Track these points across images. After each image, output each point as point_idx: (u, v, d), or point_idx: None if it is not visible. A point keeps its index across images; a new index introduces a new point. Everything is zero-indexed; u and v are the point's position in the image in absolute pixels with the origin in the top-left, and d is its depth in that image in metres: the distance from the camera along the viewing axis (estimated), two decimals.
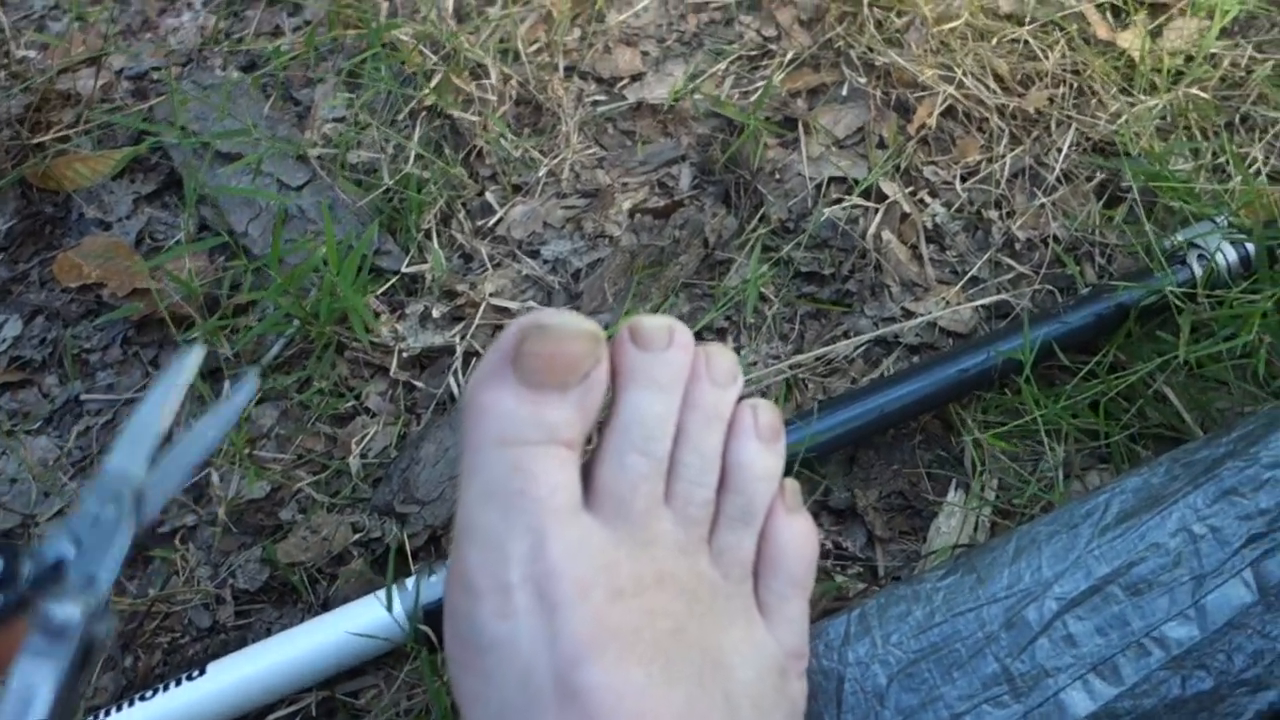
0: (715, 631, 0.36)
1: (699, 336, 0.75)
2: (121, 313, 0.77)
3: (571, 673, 0.32)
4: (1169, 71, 0.86)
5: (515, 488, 0.33)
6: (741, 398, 0.40)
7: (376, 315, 0.77)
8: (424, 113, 0.88)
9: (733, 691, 0.36)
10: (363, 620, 0.61)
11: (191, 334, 0.75)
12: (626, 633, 0.33)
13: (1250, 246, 0.71)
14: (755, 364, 0.75)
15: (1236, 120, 0.85)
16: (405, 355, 0.76)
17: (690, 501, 0.37)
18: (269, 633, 0.66)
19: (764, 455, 0.39)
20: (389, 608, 0.60)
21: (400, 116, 0.88)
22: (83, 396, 0.76)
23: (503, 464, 0.33)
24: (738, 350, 0.76)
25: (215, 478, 0.71)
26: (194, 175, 0.81)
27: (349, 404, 0.75)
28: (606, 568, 0.34)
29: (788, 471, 0.66)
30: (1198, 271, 0.71)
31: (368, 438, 0.73)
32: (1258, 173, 0.81)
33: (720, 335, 0.77)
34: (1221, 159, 0.81)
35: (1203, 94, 0.85)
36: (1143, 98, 0.85)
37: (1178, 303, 0.69)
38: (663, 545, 0.36)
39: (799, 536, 0.40)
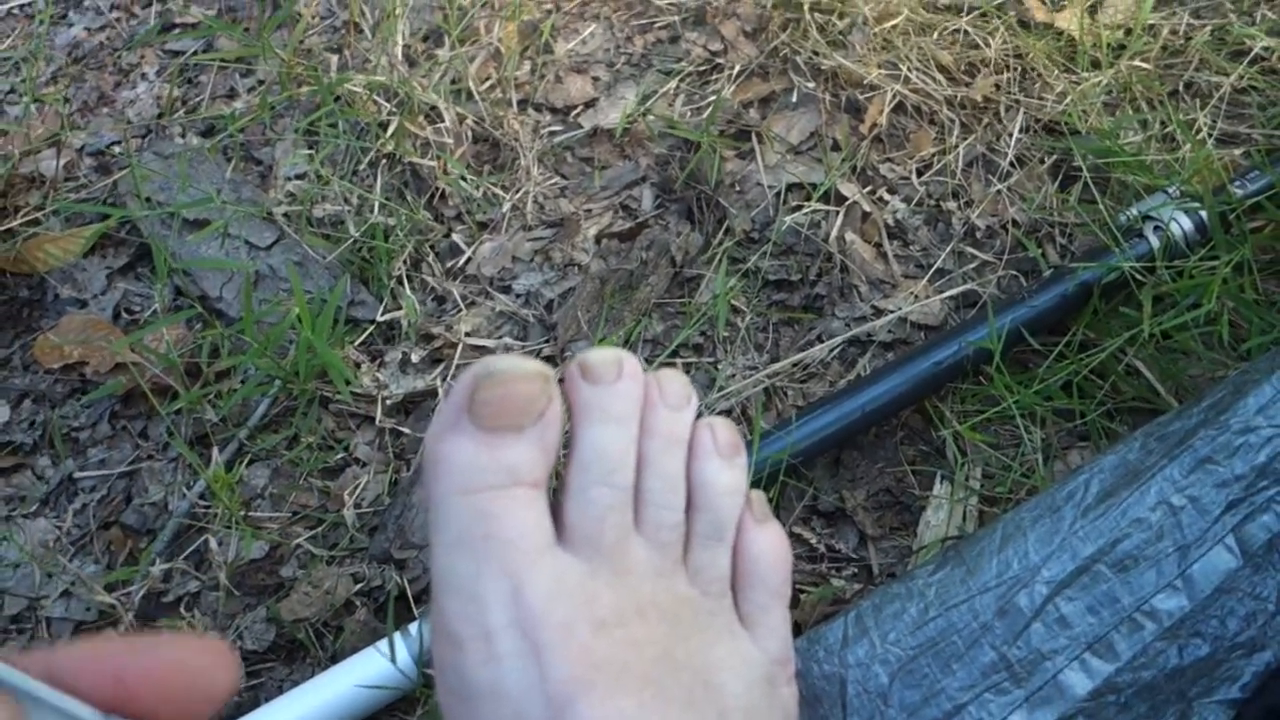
0: (701, 651, 0.37)
1: (674, 355, 0.77)
2: (105, 390, 0.78)
3: (563, 712, 0.33)
4: (1109, 46, 0.88)
5: (484, 533, 0.34)
6: (698, 416, 0.41)
7: (357, 366, 0.78)
8: (384, 161, 0.89)
9: (725, 708, 0.36)
10: (370, 670, 0.62)
11: (176, 405, 0.76)
12: (614, 665, 0.34)
13: (1204, 214, 0.72)
14: (733, 376, 0.76)
15: (1180, 88, 0.87)
16: (389, 402, 0.77)
17: (661, 526, 0.38)
18: (280, 691, 0.66)
19: (726, 471, 0.39)
20: (392, 658, 0.61)
21: (361, 167, 0.89)
22: (76, 475, 0.77)
23: (469, 512, 0.34)
24: (714, 365, 0.77)
25: (213, 543, 0.71)
26: (163, 246, 0.82)
27: (339, 456, 0.75)
28: (587, 602, 0.34)
29: (772, 482, 0.67)
30: (1155, 243, 0.72)
31: (360, 488, 0.74)
32: (1205, 139, 0.82)
33: (696, 351, 0.78)
34: (1169, 128, 0.83)
35: (1145, 65, 0.87)
36: (1086, 75, 0.87)
37: (1138, 277, 0.71)
38: (639, 573, 0.37)
39: (771, 545, 0.40)
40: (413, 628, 0.63)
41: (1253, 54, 0.87)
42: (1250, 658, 0.58)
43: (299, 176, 0.89)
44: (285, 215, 0.86)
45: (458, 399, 0.34)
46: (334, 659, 0.67)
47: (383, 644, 0.62)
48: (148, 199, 0.87)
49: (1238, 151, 0.81)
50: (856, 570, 0.68)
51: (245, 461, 0.75)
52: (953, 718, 0.55)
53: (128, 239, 0.88)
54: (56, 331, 0.82)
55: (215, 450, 0.75)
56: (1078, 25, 0.88)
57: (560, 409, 0.36)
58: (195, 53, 1.01)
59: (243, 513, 0.73)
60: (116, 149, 0.95)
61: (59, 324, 0.83)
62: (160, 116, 0.97)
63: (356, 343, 0.80)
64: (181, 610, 0.70)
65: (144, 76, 1.01)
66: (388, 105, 0.91)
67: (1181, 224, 0.72)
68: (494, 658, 0.33)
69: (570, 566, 0.35)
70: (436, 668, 0.35)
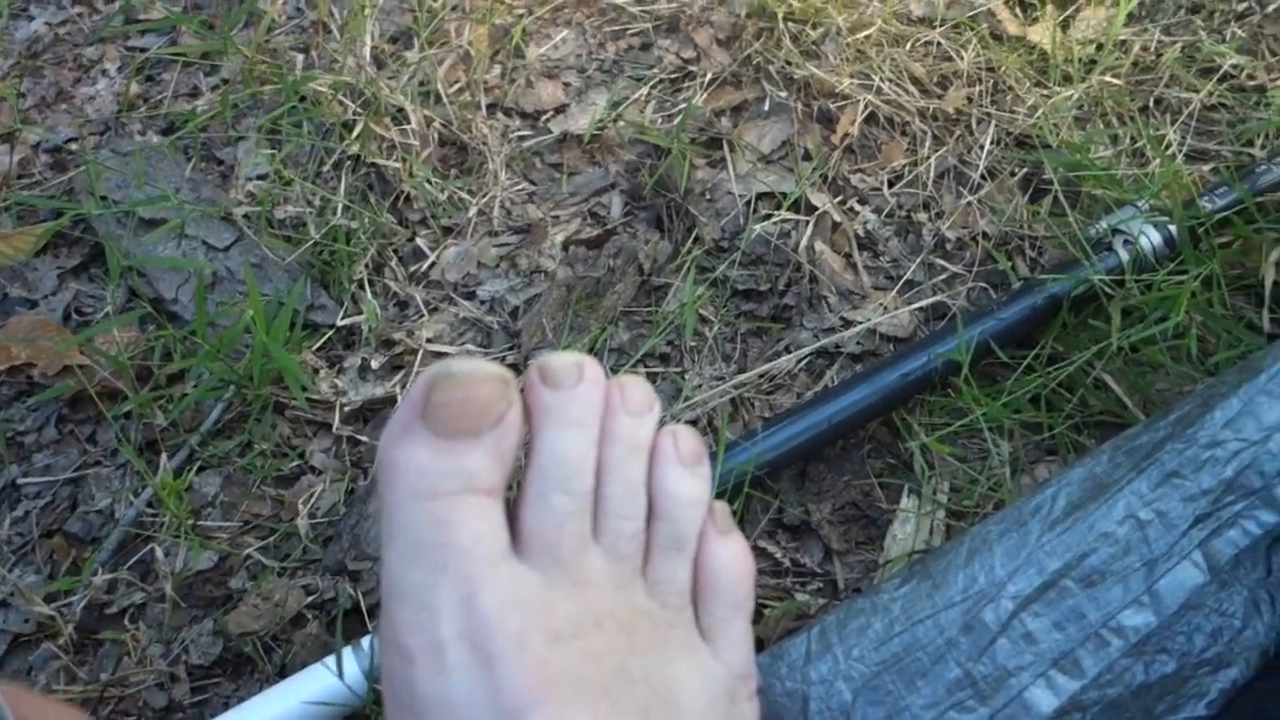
0: (660, 665, 0.36)
1: (641, 363, 0.75)
2: (52, 393, 0.76)
3: None
4: (1081, 61, 0.88)
5: (438, 541, 0.32)
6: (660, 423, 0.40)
7: (315, 371, 0.76)
8: (348, 163, 0.87)
9: None
10: (319, 687, 0.60)
11: (125, 408, 0.74)
12: (569, 679, 0.32)
13: (1173, 228, 0.72)
14: (700, 386, 0.75)
15: (1151, 104, 0.86)
16: (347, 409, 0.75)
17: (620, 535, 0.37)
18: (226, 707, 0.64)
19: (689, 480, 0.38)
20: (339, 674, 0.59)
21: (325, 169, 0.87)
22: (20, 480, 0.75)
23: (423, 518, 0.33)
24: (681, 374, 0.75)
25: (159, 552, 0.69)
26: (117, 246, 0.80)
27: (293, 464, 0.74)
28: (542, 613, 0.33)
29: (736, 494, 0.66)
30: (1124, 257, 0.72)
31: (315, 497, 0.72)
32: (1174, 154, 0.82)
33: (663, 360, 0.77)
34: (1139, 143, 0.82)
35: (1116, 81, 0.86)
36: (1058, 89, 0.86)
37: (1107, 290, 0.70)
38: (597, 584, 0.35)
39: (734, 558, 0.39)
40: (364, 642, 0.61)
41: (1222, 71, 0.87)
42: (1217, 675, 0.57)
43: (260, 177, 0.88)
44: (245, 216, 0.84)
45: (413, 402, 0.33)
46: (282, 674, 0.65)
47: (332, 660, 0.60)
48: (103, 197, 0.84)
49: (1206, 168, 0.81)
50: (821, 585, 0.67)
51: (195, 468, 0.73)
52: None
53: (82, 238, 0.86)
54: (4, 332, 0.80)
55: (164, 456, 0.73)
56: (1050, 39, 0.88)
57: (519, 414, 0.35)
58: (158, 49, 0.99)
59: (191, 521, 0.71)
60: (73, 146, 0.93)
61: (7, 324, 0.81)
62: (120, 113, 0.95)
63: (315, 348, 0.78)
64: (125, 622, 0.68)
65: (104, 73, 0.99)
66: (353, 105, 0.89)
67: (1150, 238, 0.72)
68: (444, 670, 0.32)
69: (526, 576, 0.34)
70: (385, 680, 0.34)
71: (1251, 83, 0.86)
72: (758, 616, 0.66)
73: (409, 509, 0.33)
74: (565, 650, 0.33)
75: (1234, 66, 0.87)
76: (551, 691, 0.32)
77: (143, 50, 1.00)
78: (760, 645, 0.63)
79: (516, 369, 0.76)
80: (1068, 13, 0.91)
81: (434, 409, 0.33)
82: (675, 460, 0.38)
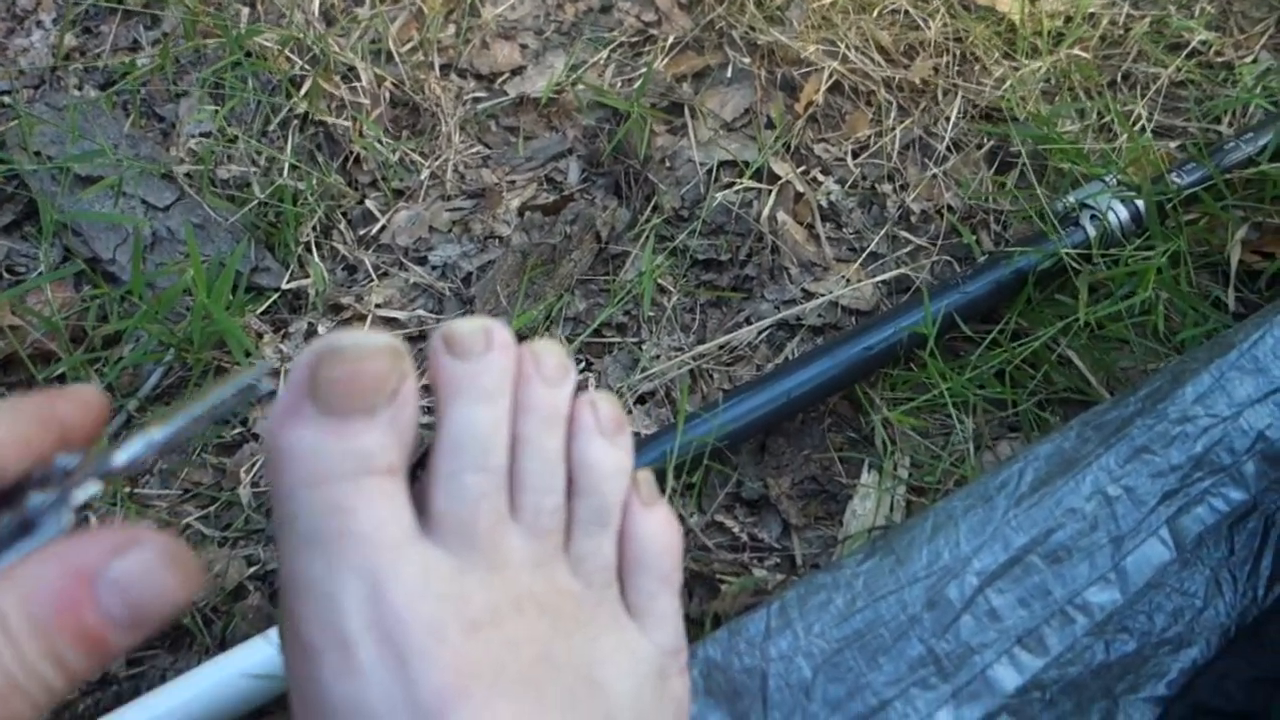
0: (585, 647, 0.34)
1: (597, 333, 0.73)
2: None
3: None
4: (1050, 34, 0.86)
5: (336, 528, 0.30)
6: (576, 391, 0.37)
7: (258, 336, 0.73)
8: (295, 121, 0.84)
9: (613, 707, 0.33)
10: (259, 659, 0.57)
11: (56, 369, 0.71)
12: (489, 670, 0.30)
13: (1140, 203, 0.71)
14: (658, 357, 0.73)
15: (1119, 78, 0.85)
16: None
17: (539, 512, 0.34)
18: (164, 679, 0.62)
19: (610, 451, 0.36)
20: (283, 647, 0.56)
21: (271, 127, 0.84)
22: None
23: (317, 505, 0.30)
24: (638, 345, 0.73)
25: (94, 522, 0.66)
26: (51, 203, 0.76)
27: (235, 431, 0.71)
28: (457, 600, 0.31)
29: (695, 467, 0.64)
30: (1091, 232, 0.71)
31: (258, 465, 0.69)
32: (1142, 129, 0.81)
33: (620, 330, 0.75)
34: (1107, 118, 0.81)
35: (1084, 54, 0.85)
36: (1026, 62, 0.85)
37: (1074, 265, 0.69)
38: (516, 565, 0.33)
39: (660, 529, 0.37)
40: None
41: (1190, 47, 0.86)
42: (1177, 654, 0.56)
43: (203, 134, 0.84)
44: (187, 175, 0.80)
45: (299, 381, 0.30)
46: (223, 646, 0.63)
47: (273, 632, 0.57)
48: (37, 153, 0.80)
49: (1174, 144, 0.80)
50: (779, 560, 0.66)
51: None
52: (877, 713, 0.52)
53: (15, 194, 0.82)
54: None
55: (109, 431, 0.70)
56: (1019, 11, 0.86)
57: (415, 387, 0.32)
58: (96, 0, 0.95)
59: (128, 490, 0.68)
60: (6, 99, 0.88)
61: None
62: (56, 67, 0.90)
63: (259, 312, 0.75)
64: None
65: (39, 24, 0.94)
66: (301, 62, 0.86)
67: (1118, 213, 0.71)
68: (353, 668, 0.29)
69: (438, 561, 0.31)
70: (290, 681, 0.31)
71: (1219, 59, 0.86)
72: (714, 592, 0.64)
73: (302, 496, 0.30)
74: (484, 640, 0.31)
75: (1202, 43, 0.86)
76: (472, 685, 0.30)
77: (79, 1, 0.95)
78: (718, 621, 0.62)
79: None
80: None
81: (322, 387, 0.30)
82: (595, 430, 0.36)
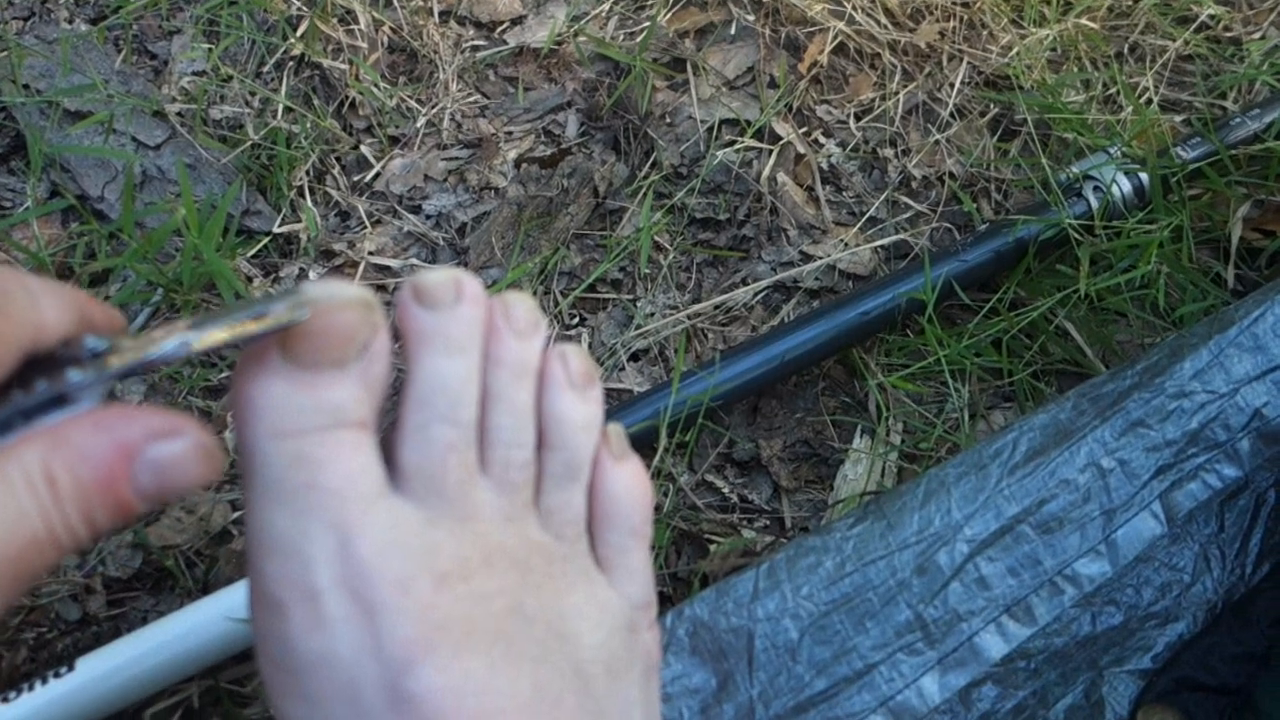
0: (555, 601, 0.33)
1: (591, 290, 0.72)
2: None
3: (403, 679, 0.29)
4: (1058, 2, 0.85)
5: (303, 482, 0.29)
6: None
7: (249, 280, 0.72)
8: (291, 63, 0.82)
9: (583, 660, 0.33)
10: (242, 603, 0.57)
11: None
12: (459, 623, 0.30)
13: (1144, 177, 0.70)
14: (652, 315, 0.72)
15: (1126, 50, 0.85)
16: None
17: (509, 466, 0.34)
18: (145, 622, 0.61)
19: (580, 404, 0.35)
20: None
21: (266, 67, 0.82)
22: None
23: (284, 458, 0.29)
24: (633, 302, 0.73)
25: None
26: (40, 137, 0.75)
27: (223, 375, 0.70)
28: (426, 553, 0.30)
29: (688, 427, 0.64)
30: (1094, 204, 0.70)
31: None
32: (1149, 102, 0.80)
33: (615, 287, 0.74)
34: (1113, 89, 0.80)
35: (1092, 24, 0.84)
36: (1033, 29, 0.84)
37: (1076, 235, 0.68)
38: (485, 518, 0.33)
39: (630, 483, 0.36)
40: None
41: (1199, 21, 0.85)
42: (1164, 629, 0.56)
43: (197, 73, 0.83)
44: (179, 114, 0.79)
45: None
46: (205, 590, 0.62)
47: None
48: (26, 86, 0.79)
49: (1179, 118, 0.80)
50: (768, 523, 0.65)
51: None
52: (863, 677, 0.52)
53: (3, 126, 0.80)
54: None
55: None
56: None
57: (387, 340, 0.31)
58: None
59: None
60: None
61: None
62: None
63: (250, 255, 0.74)
64: None
65: None
66: (298, 2, 0.84)
67: (1122, 185, 0.70)
68: (322, 622, 0.29)
69: (407, 515, 0.31)
70: (256, 637, 0.31)
71: (1227, 34, 0.85)
72: (703, 552, 0.64)
73: (270, 449, 0.29)
74: (454, 592, 0.30)
75: (1211, 17, 0.85)
76: (441, 638, 0.30)
77: None
78: (705, 581, 0.62)
79: None
80: None
81: (292, 339, 0.29)
82: (565, 383, 0.35)
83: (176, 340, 0.27)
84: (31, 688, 0.57)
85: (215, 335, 0.28)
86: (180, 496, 0.28)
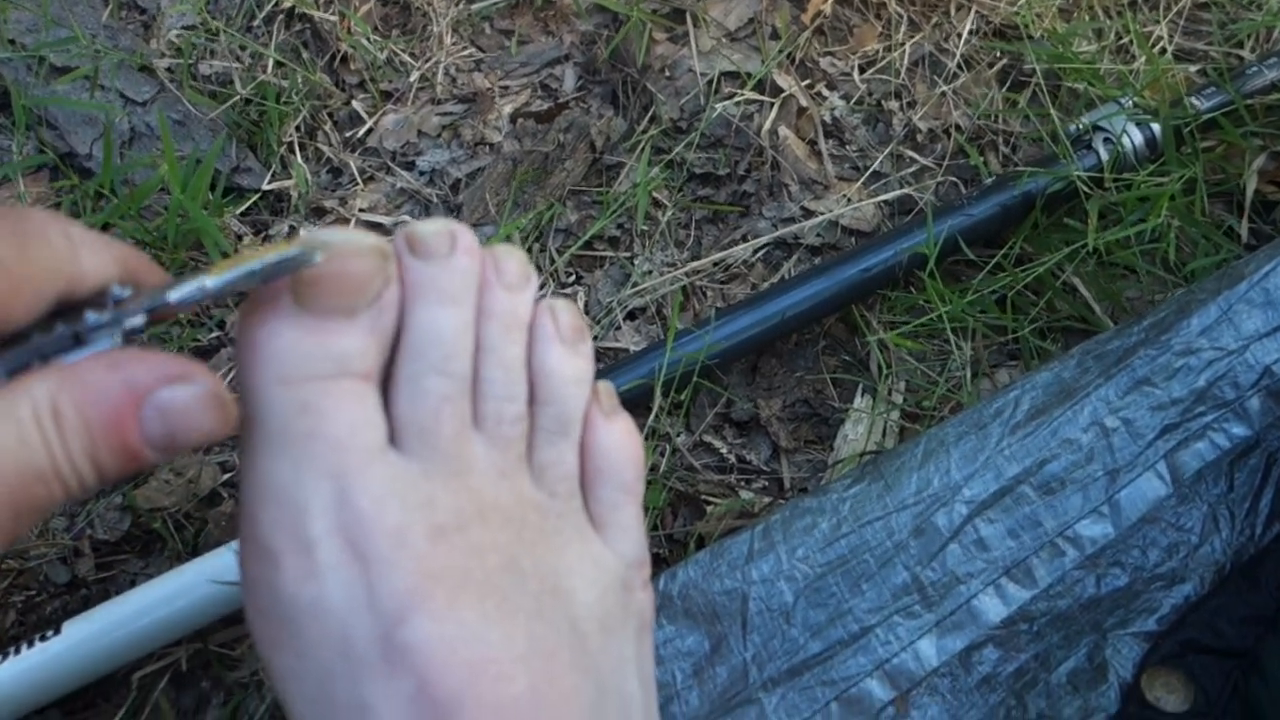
0: (549, 556, 0.33)
1: (588, 247, 0.71)
2: None
3: (397, 629, 0.28)
4: None
5: (305, 430, 0.29)
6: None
7: (238, 238, 0.71)
8: (281, 16, 0.80)
9: (577, 616, 0.32)
10: (230, 567, 0.56)
11: None
12: (453, 574, 0.29)
13: (1156, 128, 0.68)
14: (650, 272, 0.70)
15: None
16: None
17: (501, 420, 0.33)
18: (133, 585, 0.61)
19: (571, 359, 0.35)
20: None
21: (255, 22, 0.81)
22: None
23: (288, 405, 0.29)
24: (630, 259, 0.71)
25: None
26: (25, 92, 0.73)
27: (212, 335, 0.69)
28: (422, 506, 0.30)
29: (684, 385, 0.63)
30: (1104, 156, 0.68)
31: (235, 369, 0.67)
32: (1162, 51, 0.78)
33: (612, 244, 0.72)
34: (1125, 39, 0.78)
35: None
36: None
37: (1085, 188, 0.66)
38: (479, 472, 0.32)
39: (621, 439, 0.36)
40: None
41: None
42: (1170, 590, 0.55)
43: (186, 27, 0.81)
44: (168, 69, 0.77)
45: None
46: (195, 553, 0.62)
47: None
48: (11, 40, 0.77)
49: (1193, 68, 0.77)
50: (767, 483, 0.64)
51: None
52: (859, 640, 0.51)
53: None
54: None
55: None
56: None
57: (398, 292, 0.31)
58: None
59: None
60: None
61: None
62: None
63: (239, 213, 0.72)
64: None
65: None
66: None
67: (1133, 137, 0.68)
68: (315, 572, 0.29)
69: (402, 467, 0.31)
70: (245, 586, 0.30)
71: None
72: (700, 513, 0.63)
73: (274, 394, 0.29)
74: (448, 544, 0.30)
75: None
76: (435, 589, 0.29)
77: None
78: (701, 542, 0.60)
79: None
80: None
81: (304, 284, 0.29)
82: (555, 338, 0.35)
83: (194, 284, 0.27)
84: (19, 651, 0.56)
85: (231, 275, 0.28)
86: (189, 449, 0.27)
